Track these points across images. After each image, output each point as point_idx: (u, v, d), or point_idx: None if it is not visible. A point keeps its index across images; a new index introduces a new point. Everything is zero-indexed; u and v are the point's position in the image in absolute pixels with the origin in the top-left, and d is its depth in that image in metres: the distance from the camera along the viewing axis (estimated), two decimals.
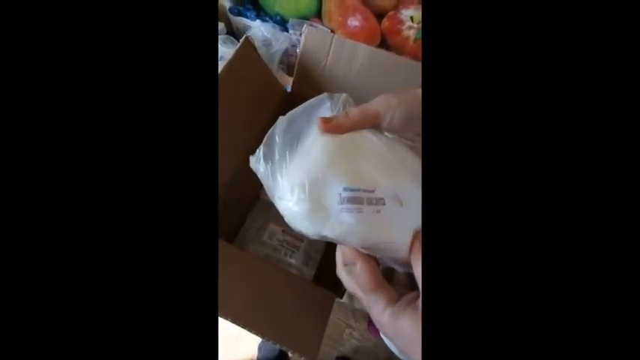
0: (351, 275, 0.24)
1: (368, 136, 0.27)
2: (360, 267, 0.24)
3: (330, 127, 0.27)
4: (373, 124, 0.27)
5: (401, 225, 0.24)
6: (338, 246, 0.25)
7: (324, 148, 0.26)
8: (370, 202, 0.24)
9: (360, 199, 0.24)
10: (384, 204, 0.24)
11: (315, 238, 0.25)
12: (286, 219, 0.26)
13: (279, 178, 0.26)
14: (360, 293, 0.25)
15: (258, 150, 0.27)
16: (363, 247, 0.25)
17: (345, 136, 0.27)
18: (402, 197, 0.25)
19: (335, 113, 0.28)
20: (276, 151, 0.27)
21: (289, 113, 0.29)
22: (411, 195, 0.25)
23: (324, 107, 0.29)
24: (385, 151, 0.27)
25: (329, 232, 0.24)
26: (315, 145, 0.27)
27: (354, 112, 0.27)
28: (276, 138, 0.27)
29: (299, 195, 0.25)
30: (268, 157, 0.27)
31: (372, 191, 0.25)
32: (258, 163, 0.27)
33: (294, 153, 0.27)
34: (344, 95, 0.30)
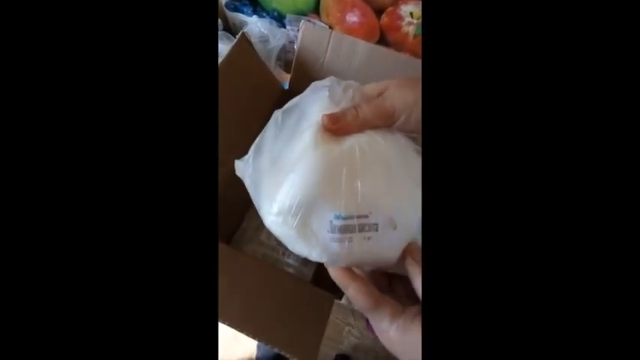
0: (347, 295, 0.23)
1: (377, 140, 0.23)
2: (352, 289, 0.22)
3: (337, 129, 0.23)
4: (387, 123, 0.24)
5: (391, 247, 0.23)
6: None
7: (320, 163, 0.22)
8: (362, 228, 0.22)
9: (352, 227, 0.22)
10: (376, 230, 0.22)
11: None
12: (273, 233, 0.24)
13: (265, 192, 0.24)
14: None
15: (245, 158, 0.25)
16: (349, 266, 0.23)
17: (346, 144, 0.23)
18: (397, 219, 0.23)
19: (337, 107, 0.24)
20: (265, 159, 0.24)
21: (285, 107, 0.26)
22: (410, 213, 0.23)
23: (323, 98, 0.25)
24: (391, 163, 0.23)
25: (316, 258, 0.23)
26: (309, 155, 0.23)
27: (366, 110, 0.23)
28: (265, 145, 0.25)
29: (286, 218, 0.22)
30: (256, 166, 0.24)
31: (366, 216, 0.22)
32: (244, 172, 0.25)
33: (286, 160, 0.24)
34: (355, 85, 0.26)
